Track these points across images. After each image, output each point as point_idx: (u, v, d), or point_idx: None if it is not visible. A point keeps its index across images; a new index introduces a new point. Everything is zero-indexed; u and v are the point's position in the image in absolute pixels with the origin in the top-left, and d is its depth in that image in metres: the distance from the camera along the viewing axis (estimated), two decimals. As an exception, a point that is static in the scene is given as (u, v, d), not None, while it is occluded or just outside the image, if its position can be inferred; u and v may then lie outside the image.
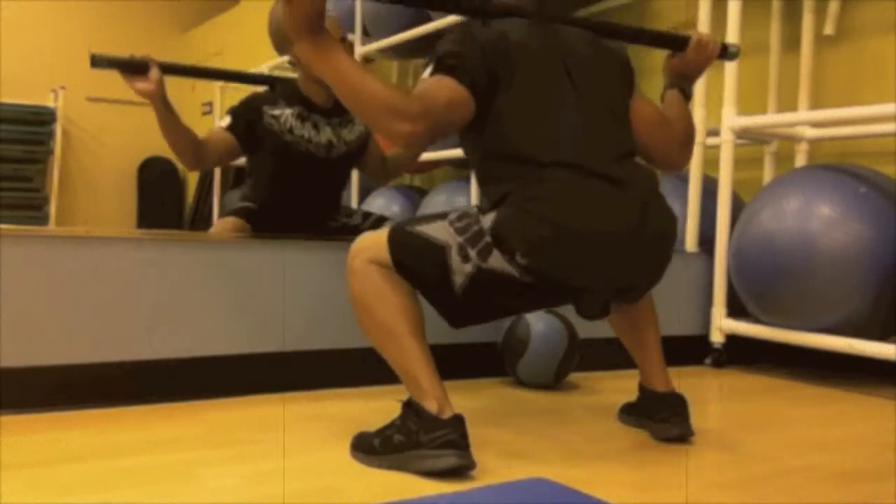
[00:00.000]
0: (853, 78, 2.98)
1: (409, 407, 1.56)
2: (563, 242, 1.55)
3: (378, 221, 2.72)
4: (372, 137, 2.72)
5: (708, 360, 2.81)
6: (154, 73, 2.23)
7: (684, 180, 3.00)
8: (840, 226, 2.38)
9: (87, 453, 1.60)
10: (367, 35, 4.63)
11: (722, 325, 2.78)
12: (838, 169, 2.54)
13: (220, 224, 2.60)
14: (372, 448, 1.57)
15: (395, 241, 1.61)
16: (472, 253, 1.57)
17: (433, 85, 1.59)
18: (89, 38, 8.01)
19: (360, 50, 4.77)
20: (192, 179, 7.98)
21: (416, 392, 1.55)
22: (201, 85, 7.78)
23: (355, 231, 2.60)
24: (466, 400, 2.11)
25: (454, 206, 3.35)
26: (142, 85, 2.23)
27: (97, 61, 2.22)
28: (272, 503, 1.36)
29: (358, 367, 2.24)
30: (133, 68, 2.23)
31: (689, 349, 2.80)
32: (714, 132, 2.88)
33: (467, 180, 3.76)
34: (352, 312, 1.65)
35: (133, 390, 2.01)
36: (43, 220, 7.61)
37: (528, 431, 1.87)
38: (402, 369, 1.58)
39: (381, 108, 1.50)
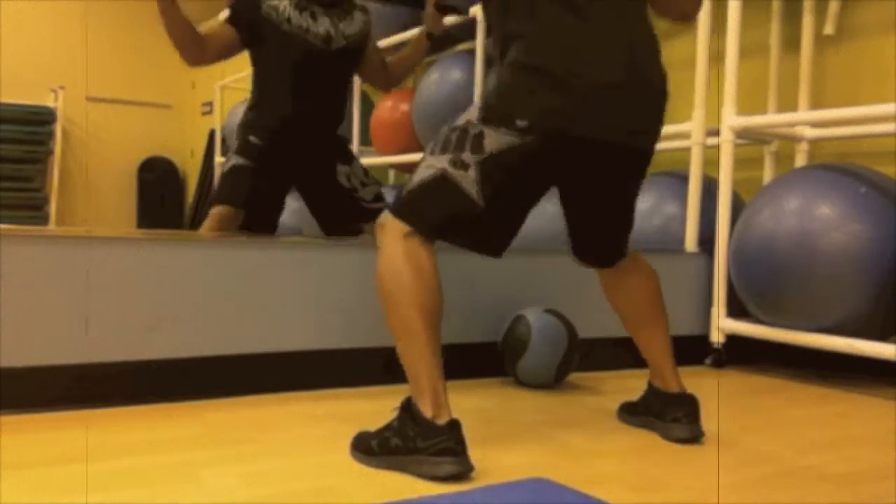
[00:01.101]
0: (853, 78, 2.98)
1: (407, 411, 1.55)
2: (558, 92, 1.55)
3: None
4: (371, 38, 2.71)
5: (708, 360, 2.81)
6: None
7: (684, 180, 3.00)
8: (840, 226, 2.38)
9: (87, 453, 1.60)
10: (367, 35, 4.63)
11: (722, 325, 2.78)
12: (838, 169, 2.54)
13: (214, 216, 2.59)
14: (370, 449, 1.57)
15: (402, 210, 1.61)
16: (466, 155, 1.58)
17: None
18: (89, 38, 8.04)
19: (360, 50, 4.77)
20: (192, 179, 7.98)
21: (415, 390, 1.55)
22: (201, 84, 7.78)
23: (362, 212, 2.63)
24: (467, 400, 2.11)
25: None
26: None
27: None
28: (272, 503, 1.36)
29: (358, 367, 2.25)
30: None
31: (689, 349, 2.80)
32: (714, 132, 2.88)
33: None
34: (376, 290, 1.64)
35: (133, 390, 2.01)
36: (43, 220, 7.61)
37: (528, 431, 1.87)
38: (408, 364, 1.57)
39: None
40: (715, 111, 2.87)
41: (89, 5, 7.98)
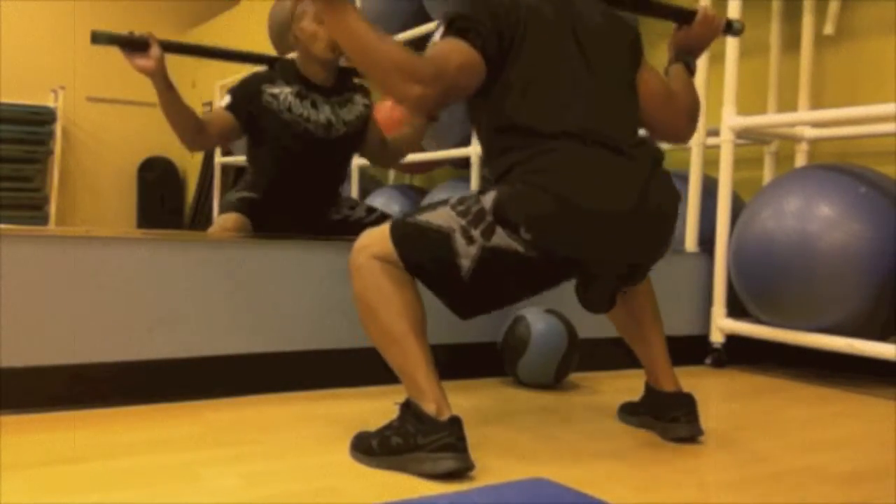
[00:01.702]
0: (853, 78, 2.98)
1: (408, 409, 1.56)
2: (566, 216, 1.55)
3: (382, 217, 2.72)
4: (372, 119, 2.71)
5: (708, 360, 2.81)
6: (154, 49, 2.22)
7: (684, 180, 3.00)
8: (840, 226, 2.38)
9: (87, 453, 1.60)
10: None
11: (722, 325, 2.78)
12: (838, 169, 2.54)
13: (221, 221, 2.60)
14: (370, 449, 1.57)
15: (397, 233, 1.61)
16: (476, 233, 1.57)
17: (445, 47, 1.58)
18: (89, 38, 8.04)
19: (360, 50, 4.76)
20: (192, 179, 7.98)
21: (414, 393, 1.55)
22: (201, 84, 7.78)
23: (358, 225, 2.61)
24: (466, 400, 2.11)
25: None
26: (142, 62, 2.22)
27: (98, 37, 2.21)
28: (272, 503, 1.36)
29: (358, 367, 2.25)
30: (133, 45, 2.22)
31: (689, 349, 2.80)
32: (714, 132, 2.88)
33: (467, 180, 3.76)
34: (356, 310, 1.65)
35: (133, 390, 2.01)
36: (43, 220, 7.61)
37: (528, 431, 1.87)
38: (402, 369, 1.58)
39: (393, 68, 1.50)
40: (715, 111, 2.87)
41: (89, 5, 7.99)
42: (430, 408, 1.52)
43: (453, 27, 1.59)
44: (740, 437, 1.89)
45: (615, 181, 1.59)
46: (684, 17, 1.91)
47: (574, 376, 2.43)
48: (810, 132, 2.99)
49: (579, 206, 1.54)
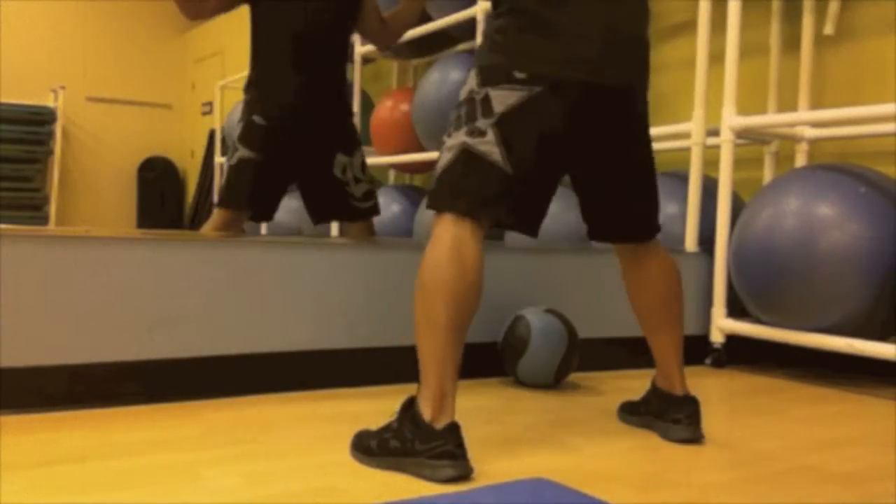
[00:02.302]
0: (853, 78, 2.98)
1: (406, 412, 1.55)
2: (546, 41, 1.58)
3: (375, 207, 2.73)
4: None
5: (708, 360, 2.82)
6: None
7: (684, 180, 3.00)
8: (840, 226, 2.38)
9: (87, 453, 1.60)
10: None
11: (722, 325, 2.78)
12: (838, 169, 2.54)
13: (214, 220, 2.58)
14: (370, 449, 1.57)
15: (436, 201, 1.61)
16: (480, 122, 1.58)
17: None
18: (89, 38, 8.04)
19: (360, 50, 4.78)
20: (192, 179, 7.98)
21: (422, 385, 1.54)
22: (201, 85, 7.78)
23: (352, 210, 2.62)
24: (466, 400, 2.11)
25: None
26: None
27: None
28: (272, 503, 1.36)
29: (358, 367, 2.25)
30: None
31: (689, 349, 2.78)
32: (714, 132, 2.88)
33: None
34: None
35: (133, 390, 2.01)
36: (43, 220, 7.61)
37: (528, 431, 1.87)
38: (423, 358, 1.55)
39: None
40: (715, 111, 2.87)
41: (89, 5, 7.99)
42: (427, 412, 1.51)
43: None
44: (740, 437, 1.89)
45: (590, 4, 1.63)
46: None
47: (574, 376, 2.43)
48: (810, 132, 2.99)
49: (557, 31, 1.58)
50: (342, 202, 2.67)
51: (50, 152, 7.78)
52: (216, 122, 6.92)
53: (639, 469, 1.62)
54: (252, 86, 2.62)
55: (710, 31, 2.90)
